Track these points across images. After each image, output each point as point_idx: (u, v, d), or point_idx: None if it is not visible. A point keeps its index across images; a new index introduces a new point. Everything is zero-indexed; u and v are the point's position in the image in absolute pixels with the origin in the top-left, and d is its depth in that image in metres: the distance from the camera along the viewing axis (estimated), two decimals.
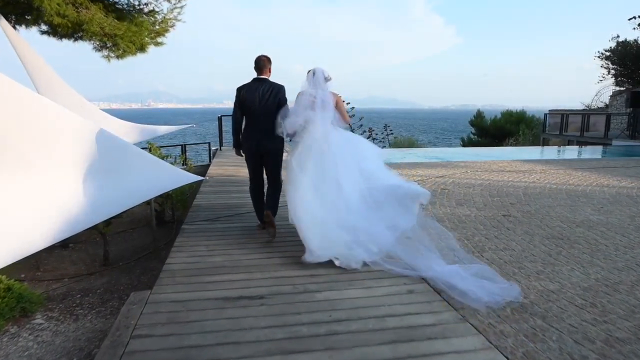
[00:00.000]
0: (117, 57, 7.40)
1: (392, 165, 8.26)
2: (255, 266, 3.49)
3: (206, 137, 33.31)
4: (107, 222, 5.47)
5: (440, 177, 7.78)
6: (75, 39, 7.33)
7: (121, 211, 4.77)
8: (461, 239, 4.23)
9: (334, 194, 3.58)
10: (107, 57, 7.23)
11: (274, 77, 4.25)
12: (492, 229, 4.57)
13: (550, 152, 15.25)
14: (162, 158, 8.71)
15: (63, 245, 6.21)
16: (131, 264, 5.75)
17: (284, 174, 4.05)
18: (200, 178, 5.96)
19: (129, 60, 7.68)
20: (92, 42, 7.24)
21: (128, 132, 8.60)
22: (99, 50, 7.33)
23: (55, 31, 7.19)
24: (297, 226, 3.58)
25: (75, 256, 6.05)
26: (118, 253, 6.25)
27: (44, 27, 7.13)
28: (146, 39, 7.52)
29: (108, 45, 7.10)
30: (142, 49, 7.68)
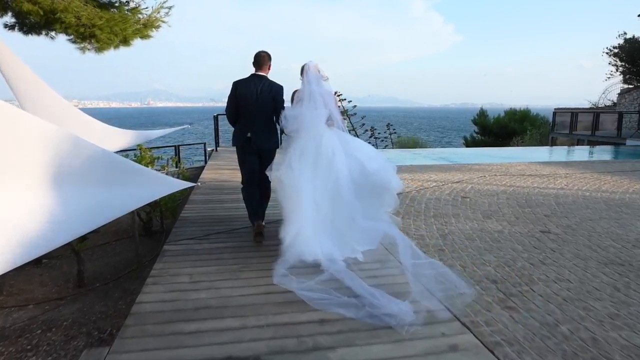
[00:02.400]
0: (96, 50, 6.62)
1: (401, 168, 7.49)
2: (249, 306, 2.74)
3: (205, 137, 32.58)
4: (82, 238, 4.74)
5: (457, 182, 7.03)
6: (49, 32, 6.56)
7: (95, 228, 4.06)
8: (500, 264, 3.49)
9: (327, 197, 3.45)
10: (83, 49, 6.45)
11: (274, 76, 4.06)
12: (534, 251, 3.83)
13: (565, 152, 14.50)
14: (153, 160, 8.00)
15: (35, 262, 5.46)
16: (110, 285, 5.01)
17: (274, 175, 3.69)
18: (189, 185, 5.24)
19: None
20: (68, 34, 6.46)
21: (119, 138, 7.87)
22: (75, 43, 6.55)
23: (24, 22, 6.42)
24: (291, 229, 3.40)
25: (47, 275, 5.29)
26: (97, 270, 5.52)
27: (10, 20, 6.36)
28: (129, 30, 6.74)
29: (86, 36, 6.32)
30: (125, 41, 6.90)
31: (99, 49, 6.68)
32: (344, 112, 16.51)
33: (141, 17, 7.05)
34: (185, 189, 5.36)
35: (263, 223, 4.09)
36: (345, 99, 16.82)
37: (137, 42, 7.37)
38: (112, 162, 4.27)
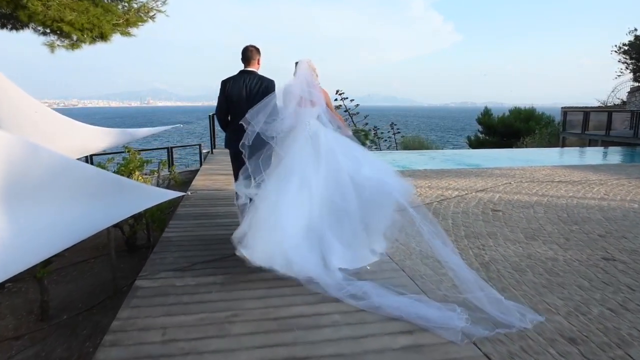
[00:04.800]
0: (67, 47, 5.79)
1: (414, 174, 6.64)
2: None
3: (203, 137, 31.72)
4: (46, 262, 3.94)
5: (481, 191, 6.22)
6: (13, 26, 5.73)
7: (59, 251, 3.29)
8: (571, 311, 2.67)
9: (318, 199, 3.17)
10: (52, 45, 5.61)
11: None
12: (606, 289, 3.01)
13: (585, 154, 13.67)
14: (142, 164, 7.23)
15: None
16: (79, 317, 4.23)
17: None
18: (176, 195, 4.44)
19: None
20: (35, 24, 5.62)
21: (101, 138, 7.07)
22: (45, 35, 5.72)
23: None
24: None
25: (7, 304, 4.50)
26: (67, 296, 4.73)
27: None
28: (107, 25, 5.89)
29: (55, 29, 5.48)
30: (102, 37, 6.06)
31: (72, 46, 5.84)
32: (346, 111, 15.75)
33: (133, 6, 6.25)
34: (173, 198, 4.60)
35: None
36: (347, 98, 16.18)
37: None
38: (81, 171, 3.51)
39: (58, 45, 5.68)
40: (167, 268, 3.36)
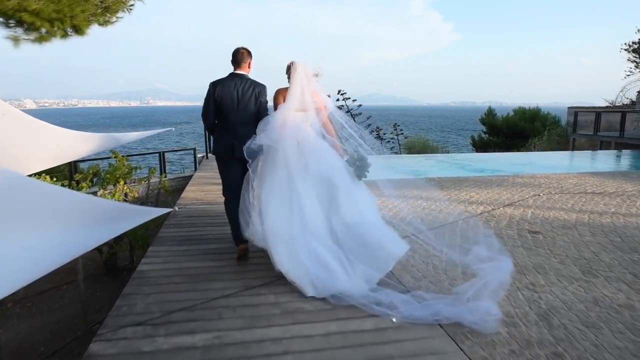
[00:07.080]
0: (35, 40, 5.05)
1: (429, 183, 5.84)
2: None
3: (202, 138, 30.99)
4: None
5: (509, 205, 5.45)
6: None
7: (9, 293, 2.57)
8: None
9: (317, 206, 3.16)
10: (16, 38, 4.87)
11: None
12: None
13: (605, 158, 12.85)
14: (131, 170, 6.52)
15: None
16: None
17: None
18: (161, 212, 3.69)
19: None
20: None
21: (83, 144, 6.32)
22: (8, 27, 4.96)
23: None
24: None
25: None
26: (27, 336, 4.03)
27: None
28: (81, 15, 5.13)
29: (20, 21, 4.73)
30: (77, 29, 5.31)
31: (40, 39, 5.09)
32: (348, 112, 15.04)
33: None
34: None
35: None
36: (349, 98, 15.67)
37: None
38: (39, 192, 2.78)
39: (24, 39, 4.92)
40: (134, 321, 2.59)
